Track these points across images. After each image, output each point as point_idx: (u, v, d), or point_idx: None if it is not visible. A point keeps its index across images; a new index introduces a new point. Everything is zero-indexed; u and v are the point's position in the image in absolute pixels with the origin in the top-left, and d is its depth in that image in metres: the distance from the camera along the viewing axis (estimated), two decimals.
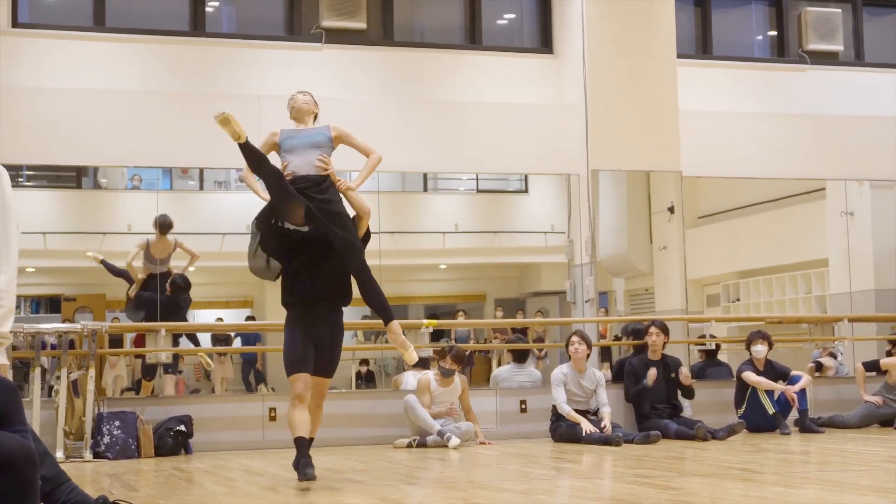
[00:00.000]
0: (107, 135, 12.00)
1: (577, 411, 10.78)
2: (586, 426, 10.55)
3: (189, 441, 10.51)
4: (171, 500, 6.56)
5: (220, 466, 8.93)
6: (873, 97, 14.55)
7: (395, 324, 7.45)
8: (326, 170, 7.49)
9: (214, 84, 12.45)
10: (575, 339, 11.02)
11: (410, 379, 11.60)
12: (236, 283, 16.04)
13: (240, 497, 6.76)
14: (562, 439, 10.80)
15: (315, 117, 7.93)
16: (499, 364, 14.42)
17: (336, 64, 12.90)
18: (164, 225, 13.10)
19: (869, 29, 15.13)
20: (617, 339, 13.18)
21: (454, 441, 10.34)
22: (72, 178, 16.01)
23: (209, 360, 11.76)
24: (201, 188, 17.11)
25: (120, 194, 16.75)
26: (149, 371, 12.82)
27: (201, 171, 16.58)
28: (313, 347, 7.39)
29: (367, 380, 16.68)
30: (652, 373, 11.20)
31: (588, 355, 11.07)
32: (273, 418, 10.96)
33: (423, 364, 11.57)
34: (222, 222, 16.88)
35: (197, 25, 12.72)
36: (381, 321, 7.58)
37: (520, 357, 12.27)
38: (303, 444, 7.16)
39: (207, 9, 12.86)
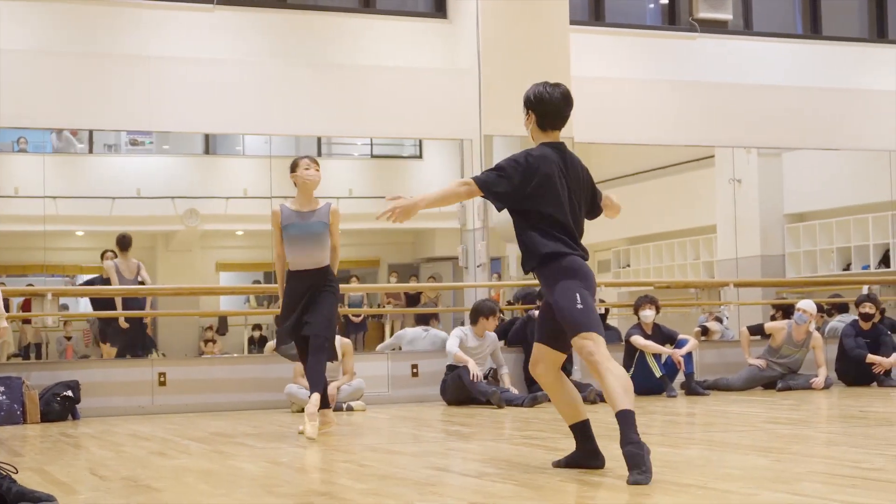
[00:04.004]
0: None
1: None
2: (473, 368, 10.66)
3: (76, 406, 10.35)
4: (57, 465, 6.46)
5: (107, 432, 8.83)
6: (762, 66, 14.75)
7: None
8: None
9: (103, 45, 12.20)
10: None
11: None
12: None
13: (126, 461, 6.68)
14: (451, 396, 10.85)
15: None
16: (392, 330, 14.46)
17: (228, 25, 12.72)
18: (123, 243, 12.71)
19: None
20: (510, 304, 13.27)
21: (358, 404, 10.45)
22: None
23: None
24: (90, 151, 16.82)
25: (5, 157, 16.39)
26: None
27: (91, 133, 16.29)
28: None
29: (259, 344, 16.60)
30: None
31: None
32: (162, 383, 10.85)
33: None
34: (111, 186, 16.61)
35: None
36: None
37: (424, 321, 12.38)
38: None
39: None
